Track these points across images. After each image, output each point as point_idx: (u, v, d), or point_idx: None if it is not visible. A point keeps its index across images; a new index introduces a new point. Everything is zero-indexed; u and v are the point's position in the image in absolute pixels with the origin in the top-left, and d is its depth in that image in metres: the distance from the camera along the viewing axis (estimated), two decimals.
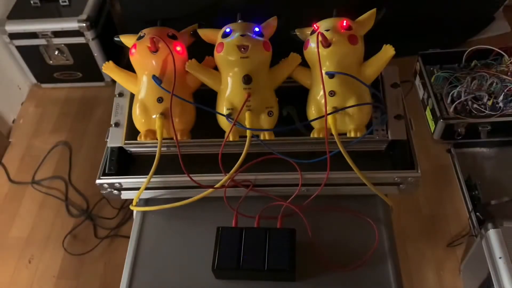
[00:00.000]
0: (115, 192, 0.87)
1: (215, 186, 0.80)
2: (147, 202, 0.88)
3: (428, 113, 1.62)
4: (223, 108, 0.81)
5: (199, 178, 0.80)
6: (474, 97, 1.51)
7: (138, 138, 0.84)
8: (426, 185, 1.46)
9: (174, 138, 0.81)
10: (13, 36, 1.72)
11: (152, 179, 0.81)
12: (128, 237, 0.85)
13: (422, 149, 1.56)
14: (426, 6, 1.74)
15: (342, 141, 0.77)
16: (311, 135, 0.82)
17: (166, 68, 0.81)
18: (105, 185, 0.85)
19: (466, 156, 1.51)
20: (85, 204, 1.55)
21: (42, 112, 1.87)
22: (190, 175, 0.79)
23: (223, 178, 0.80)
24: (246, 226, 0.77)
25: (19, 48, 1.77)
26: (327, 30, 0.78)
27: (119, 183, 0.85)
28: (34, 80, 1.94)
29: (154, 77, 0.81)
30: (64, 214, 1.53)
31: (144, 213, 0.87)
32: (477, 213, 1.34)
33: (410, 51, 1.72)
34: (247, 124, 0.79)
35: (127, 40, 0.86)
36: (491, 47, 1.59)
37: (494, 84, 1.52)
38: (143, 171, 0.83)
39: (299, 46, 0.84)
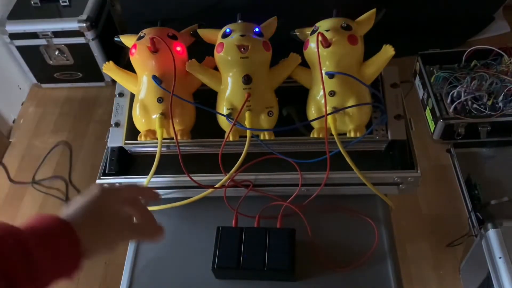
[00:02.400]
0: None
1: (215, 186, 0.80)
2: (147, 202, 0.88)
3: (428, 113, 1.63)
4: (223, 108, 0.81)
5: (199, 178, 0.80)
6: (474, 97, 1.51)
7: (138, 138, 0.84)
8: (426, 185, 1.46)
9: (174, 138, 0.81)
10: (14, 36, 1.73)
11: (152, 179, 0.81)
12: None
13: (422, 149, 1.57)
14: (426, 6, 1.75)
15: (342, 141, 0.77)
16: (311, 135, 0.82)
17: (166, 68, 0.81)
18: (106, 185, 0.85)
19: (466, 156, 1.51)
20: None
21: (43, 112, 1.88)
22: (190, 175, 0.79)
23: (223, 178, 0.80)
24: (246, 226, 0.78)
25: (20, 48, 1.78)
26: (327, 30, 0.78)
27: (120, 183, 0.85)
28: (34, 80, 1.94)
29: (154, 77, 0.81)
30: None
31: None
32: (477, 213, 1.34)
33: (410, 51, 1.72)
34: (247, 124, 0.79)
35: (127, 40, 0.86)
36: (491, 47, 1.59)
37: (494, 84, 1.53)
38: (143, 171, 0.83)
39: (299, 46, 0.84)
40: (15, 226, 0.47)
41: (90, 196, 0.52)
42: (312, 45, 0.79)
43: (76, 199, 0.52)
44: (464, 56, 1.62)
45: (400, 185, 0.82)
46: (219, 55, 0.79)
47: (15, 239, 0.44)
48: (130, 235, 0.55)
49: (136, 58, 0.82)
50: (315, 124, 0.82)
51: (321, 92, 0.78)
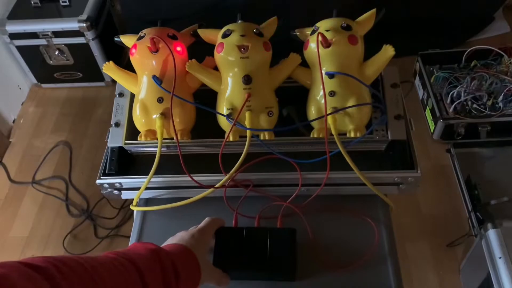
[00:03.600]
0: (116, 192, 0.87)
1: (215, 186, 0.80)
2: (147, 202, 0.88)
3: (428, 113, 1.63)
4: (223, 108, 0.81)
5: (199, 178, 0.80)
6: (474, 97, 1.51)
7: (138, 138, 0.84)
8: (426, 185, 1.46)
9: (175, 138, 0.81)
10: (14, 36, 1.73)
11: (152, 179, 0.81)
12: (128, 237, 0.86)
13: (422, 149, 1.57)
14: (426, 6, 1.75)
15: (342, 141, 0.77)
16: (311, 135, 0.82)
17: (166, 68, 0.82)
18: (106, 185, 0.85)
19: (465, 156, 1.51)
20: (85, 204, 1.56)
21: (43, 112, 1.88)
22: (190, 175, 0.79)
23: (223, 178, 0.80)
24: (246, 226, 0.77)
25: (20, 48, 1.78)
26: (327, 31, 0.78)
27: (120, 183, 0.85)
28: (34, 80, 1.94)
29: (154, 77, 0.81)
30: (64, 214, 1.54)
31: (144, 213, 0.87)
32: (477, 213, 1.34)
33: (410, 51, 1.72)
34: (247, 124, 0.79)
35: (127, 40, 0.86)
36: (491, 47, 1.59)
37: (494, 84, 1.53)
38: (144, 171, 0.83)
39: (299, 46, 0.84)
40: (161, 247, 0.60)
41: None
42: (312, 45, 0.79)
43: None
44: (464, 56, 1.62)
45: (400, 185, 0.82)
46: (219, 55, 0.79)
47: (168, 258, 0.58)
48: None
49: (136, 58, 0.82)
50: (315, 124, 0.82)
51: (321, 92, 0.78)
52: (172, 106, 0.80)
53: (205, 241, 0.69)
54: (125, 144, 0.85)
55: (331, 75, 0.78)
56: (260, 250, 0.73)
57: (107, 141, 0.87)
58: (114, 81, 1.02)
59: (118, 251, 0.55)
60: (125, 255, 0.54)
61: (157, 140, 0.81)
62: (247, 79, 0.78)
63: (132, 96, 0.87)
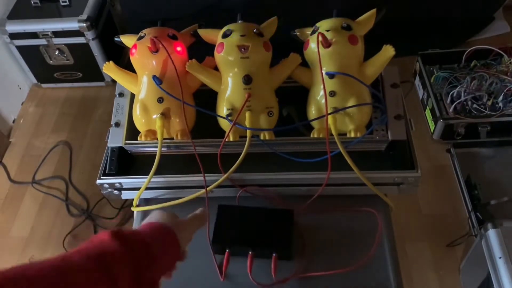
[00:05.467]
0: (116, 192, 0.87)
1: (211, 186, 0.80)
2: (147, 202, 0.88)
3: (427, 113, 1.63)
4: (223, 108, 0.81)
5: (198, 178, 0.80)
6: (474, 97, 1.51)
7: (138, 138, 0.84)
8: (426, 185, 1.46)
9: (190, 139, 0.81)
10: (14, 36, 1.73)
11: (153, 179, 0.81)
12: None
13: (422, 149, 1.57)
14: (426, 6, 1.75)
15: (342, 141, 0.77)
16: (311, 135, 0.82)
17: (166, 68, 0.82)
18: (106, 185, 0.85)
19: (465, 156, 1.51)
20: (85, 204, 1.55)
21: (43, 112, 1.88)
22: (190, 175, 0.80)
23: (222, 178, 0.80)
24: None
25: (20, 48, 1.78)
26: (327, 31, 0.78)
27: (120, 183, 0.85)
28: (34, 80, 1.94)
29: (154, 77, 0.81)
30: (64, 214, 1.54)
31: (144, 213, 0.87)
32: (477, 213, 1.34)
33: (410, 51, 1.72)
34: (247, 124, 0.79)
35: (127, 40, 0.86)
36: (491, 47, 1.59)
37: (494, 84, 1.53)
38: (144, 171, 0.83)
39: (299, 46, 0.84)
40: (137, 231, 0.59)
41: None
42: (313, 45, 0.80)
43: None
44: (464, 56, 1.62)
45: (400, 185, 0.82)
46: (220, 55, 0.79)
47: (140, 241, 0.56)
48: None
49: (136, 58, 0.82)
50: (315, 124, 0.82)
51: (321, 92, 0.78)
52: (173, 106, 0.80)
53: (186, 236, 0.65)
54: (125, 144, 0.85)
55: (331, 75, 0.78)
56: (259, 228, 0.76)
57: (107, 141, 0.87)
58: (114, 81, 1.02)
59: (80, 250, 0.50)
60: (89, 249, 0.50)
61: (157, 140, 0.81)
62: (247, 79, 0.78)
63: (132, 96, 0.87)
